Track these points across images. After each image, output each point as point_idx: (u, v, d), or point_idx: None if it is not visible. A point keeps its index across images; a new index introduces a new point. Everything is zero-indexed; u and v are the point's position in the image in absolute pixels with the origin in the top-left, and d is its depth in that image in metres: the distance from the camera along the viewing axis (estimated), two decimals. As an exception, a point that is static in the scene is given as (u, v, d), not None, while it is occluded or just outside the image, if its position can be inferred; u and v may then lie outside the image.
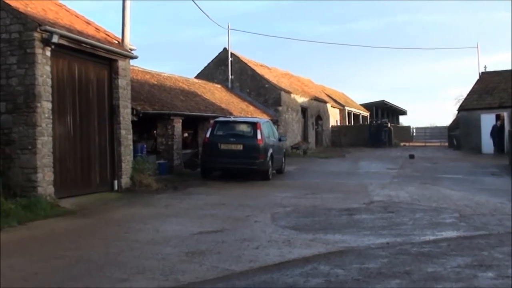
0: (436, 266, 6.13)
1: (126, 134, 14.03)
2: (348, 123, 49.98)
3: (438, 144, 47.72)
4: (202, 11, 45.45)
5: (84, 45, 12.10)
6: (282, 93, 32.48)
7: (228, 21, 37.21)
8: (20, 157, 10.55)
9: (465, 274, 5.78)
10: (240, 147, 16.44)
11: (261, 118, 23.33)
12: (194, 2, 34.18)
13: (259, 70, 34.04)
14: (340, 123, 47.69)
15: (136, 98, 16.61)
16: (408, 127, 63.46)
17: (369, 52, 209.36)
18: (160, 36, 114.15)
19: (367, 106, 58.63)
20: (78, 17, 13.91)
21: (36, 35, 10.56)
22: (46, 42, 10.74)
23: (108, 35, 14.29)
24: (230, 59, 32.77)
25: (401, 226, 8.84)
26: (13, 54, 10.66)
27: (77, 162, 12.17)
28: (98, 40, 13.03)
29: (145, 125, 18.47)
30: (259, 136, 16.56)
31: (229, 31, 32.93)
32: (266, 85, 32.57)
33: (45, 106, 10.78)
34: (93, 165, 12.82)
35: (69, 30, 11.73)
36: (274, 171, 17.87)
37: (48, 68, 10.91)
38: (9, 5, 10.69)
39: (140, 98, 17.54)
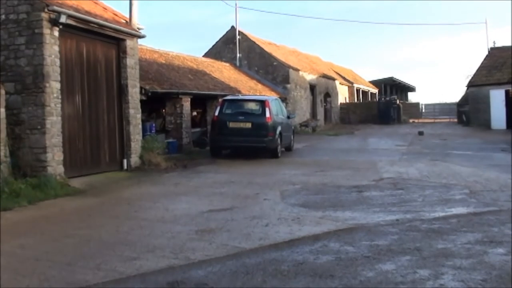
0: (446, 242, 6.12)
1: (135, 113, 14.04)
2: (357, 100, 49.73)
3: (447, 120, 47.49)
4: (209, -12, 45.03)
5: (92, 24, 12.07)
6: (291, 70, 32.30)
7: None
8: (29, 137, 10.60)
9: (475, 251, 5.77)
10: (248, 125, 16.38)
11: (270, 96, 23.24)
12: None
13: (267, 48, 33.82)
14: (349, 100, 47.49)
15: (145, 77, 16.58)
16: (417, 104, 63.00)
17: (377, 28, 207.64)
18: (168, 15, 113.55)
19: (375, 83, 58.27)
20: (85, -4, 13.83)
21: (44, 15, 10.54)
22: (54, 22, 10.72)
23: (116, 15, 14.22)
24: (238, 37, 32.53)
25: (410, 202, 8.83)
26: (21, 34, 10.66)
27: (86, 141, 12.21)
28: (106, 19, 12.97)
29: (153, 104, 18.48)
30: (267, 114, 16.49)
31: (237, 9, 32.78)
32: (274, 63, 32.38)
33: (54, 86, 10.80)
34: (102, 144, 12.87)
35: (76, 10, 11.68)
36: (283, 149, 17.84)
37: (56, 48, 10.91)
38: (16, -15, 10.65)
39: (149, 77, 17.51)
